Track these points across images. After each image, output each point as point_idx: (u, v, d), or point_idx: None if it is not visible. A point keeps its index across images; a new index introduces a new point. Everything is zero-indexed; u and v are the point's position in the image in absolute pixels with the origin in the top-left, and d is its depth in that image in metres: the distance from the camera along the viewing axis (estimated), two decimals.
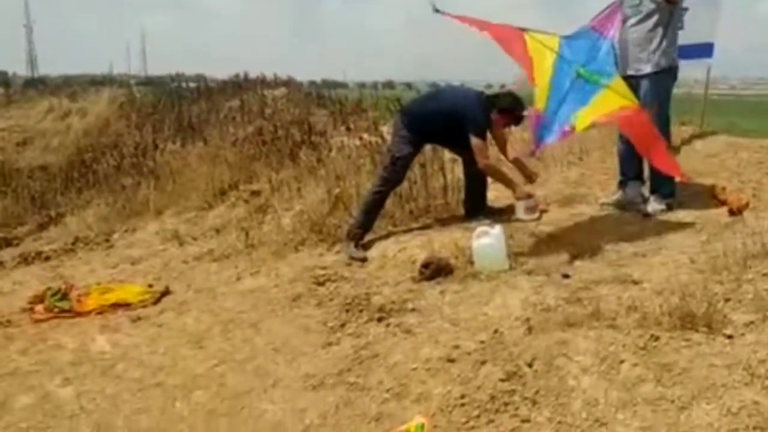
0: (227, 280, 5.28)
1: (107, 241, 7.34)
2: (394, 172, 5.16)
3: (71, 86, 21.34)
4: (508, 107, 5.10)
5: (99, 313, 4.87)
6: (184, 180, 8.63)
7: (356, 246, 5.06)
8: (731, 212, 4.50)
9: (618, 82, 4.40)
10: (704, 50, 6.38)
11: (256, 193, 7.45)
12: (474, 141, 4.91)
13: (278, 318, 4.35)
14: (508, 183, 5.15)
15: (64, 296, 5.06)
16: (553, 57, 4.37)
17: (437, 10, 4.35)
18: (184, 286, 5.31)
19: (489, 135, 5.15)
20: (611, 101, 4.31)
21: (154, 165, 9.69)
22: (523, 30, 4.43)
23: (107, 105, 16.40)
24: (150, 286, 5.29)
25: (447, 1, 4.37)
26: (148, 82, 21.97)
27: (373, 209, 5.18)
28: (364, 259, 4.93)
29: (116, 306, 4.93)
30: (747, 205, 4.53)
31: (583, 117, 4.26)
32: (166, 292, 5.16)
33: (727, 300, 3.09)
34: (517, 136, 6.57)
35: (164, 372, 3.86)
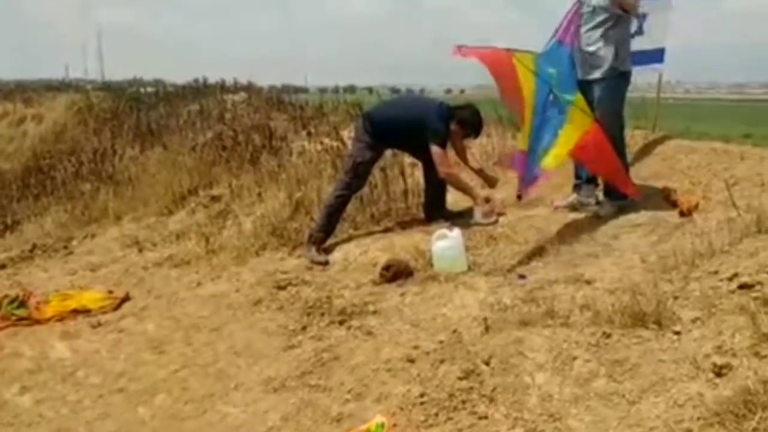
0: (188, 285, 5.27)
1: (66, 247, 7.26)
2: (356, 177, 5.22)
3: (26, 91, 20.95)
4: (467, 119, 5.23)
5: (58, 320, 4.83)
6: (144, 186, 8.58)
7: (317, 250, 5.10)
8: (682, 213, 4.61)
9: (579, 98, 4.56)
10: (656, 56, 6.54)
11: (216, 199, 7.44)
12: (435, 150, 5.01)
13: (239, 322, 4.37)
14: (467, 190, 5.25)
15: (22, 304, 5.01)
16: (534, 80, 4.53)
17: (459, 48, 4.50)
18: (145, 292, 5.29)
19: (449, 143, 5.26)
20: (580, 122, 4.48)
21: (113, 171, 9.63)
22: (509, 52, 4.56)
23: (64, 110, 16.17)
24: (110, 292, 5.27)
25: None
26: (106, 87, 21.63)
27: (334, 213, 5.23)
28: (325, 263, 4.98)
29: (76, 312, 4.91)
30: (697, 206, 4.65)
31: (553, 155, 4.49)
32: (126, 298, 5.14)
33: (676, 298, 3.18)
34: (477, 142, 6.67)
35: (125, 377, 3.86)
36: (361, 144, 5.27)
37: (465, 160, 5.55)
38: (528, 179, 4.55)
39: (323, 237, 5.19)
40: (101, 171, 9.84)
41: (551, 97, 4.53)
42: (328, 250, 5.15)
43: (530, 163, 4.53)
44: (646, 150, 6.34)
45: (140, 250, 6.57)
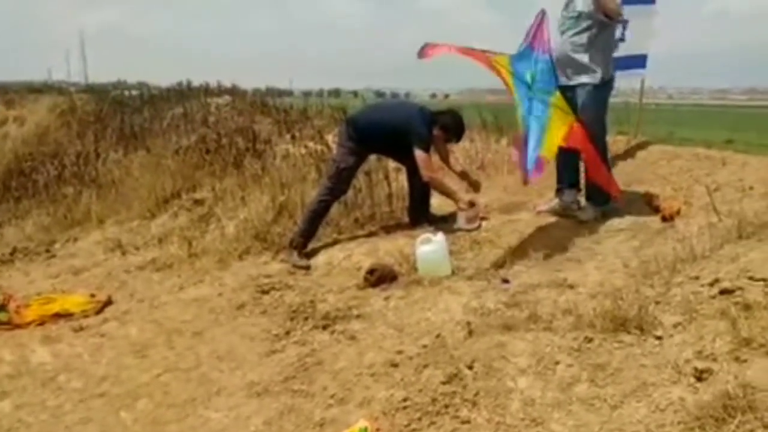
0: (170, 289, 5.25)
1: (48, 251, 7.22)
2: (339, 183, 5.23)
3: (7, 93, 20.73)
4: (449, 124, 5.25)
5: (39, 324, 4.80)
6: (127, 189, 8.55)
7: (299, 254, 5.10)
8: (664, 219, 4.65)
9: (559, 97, 4.58)
10: (638, 62, 6.60)
11: (199, 202, 7.42)
12: (419, 154, 5.02)
13: (222, 327, 4.36)
14: (450, 194, 5.26)
15: (2, 308, 4.96)
16: (511, 78, 4.54)
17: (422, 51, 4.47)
18: (127, 296, 5.27)
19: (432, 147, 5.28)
20: (561, 120, 4.50)
21: (96, 174, 9.58)
22: (486, 53, 4.57)
23: (47, 113, 16.01)
24: (92, 295, 5.23)
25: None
26: (89, 89, 21.43)
27: (316, 218, 5.23)
28: (306, 267, 4.98)
29: (57, 316, 4.87)
30: (679, 211, 4.69)
31: (548, 146, 4.45)
32: (108, 302, 5.12)
33: (657, 303, 3.20)
34: (461, 146, 6.69)
35: (107, 382, 3.83)
36: (345, 149, 5.28)
37: (449, 165, 5.57)
38: (527, 167, 4.44)
39: (304, 242, 5.19)
40: (84, 174, 9.78)
41: (530, 95, 4.53)
42: (311, 255, 5.15)
43: (527, 148, 4.44)
44: (628, 155, 6.40)
45: (123, 254, 6.54)
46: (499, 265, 4.37)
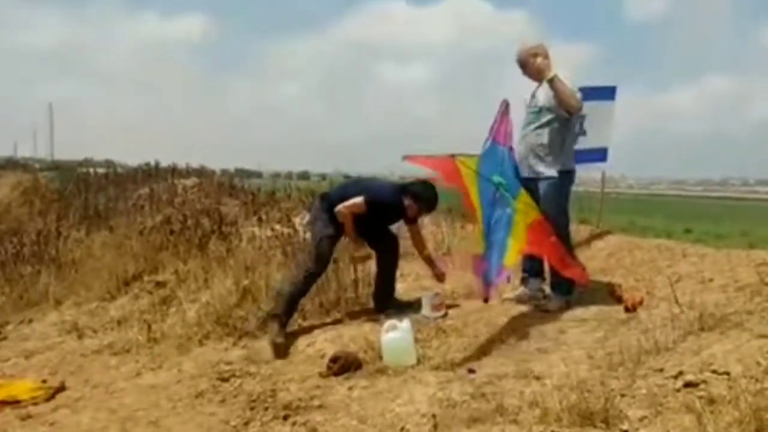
0: (127, 375, 5.09)
1: None
2: (321, 250, 5.19)
3: None
4: (420, 193, 5.25)
5: None
6: (87, 269, 8.39)
7: (280, 330, 4.98)
8: (627, 309, 4.68)
9: (524, 195, 4.68)
10: (598, 155, 6.78)
11: (161, 284, 7.29)
12: (357, 198, 5.12)
13: (179, 416, 4.20)
14: (349, 236, 5.34)
15: None
16: (478, 180, 4.64)
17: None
18: (81, 381, 5.08)
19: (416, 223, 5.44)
20: (526, 218, 4.59)
21: (56, 253, 9.40)
22: (453, 156, 4.69)
23: (9, 190, 15.89)
24: (44, 381, 5.05)
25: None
26: (55, 167, 21.36)
27: (298, 295, 5.19)
28: (281, 347, 4.86)
29: (4, 404, 4.64)
30: (642, 302, 4.73)
31: (511, 252, 4.55)
32: (61, 388, 4.92)
33: (623, 395, 3.18)
34: (428, 230, 6.73)
35: None
36: (322, 221, 5.29)
37: (418, 246, 5.53)
38: (490, 280, 4.52)
39: (286, 319, 5.11)
40: (44, 253, 9.59)
41: (498, 195, 4.62)
42: None
43: (489, 264, 4.53)
44: (591, 245, 6.49)
45: (80, 337, 6.36)
46: (465, 354, 4.33)
